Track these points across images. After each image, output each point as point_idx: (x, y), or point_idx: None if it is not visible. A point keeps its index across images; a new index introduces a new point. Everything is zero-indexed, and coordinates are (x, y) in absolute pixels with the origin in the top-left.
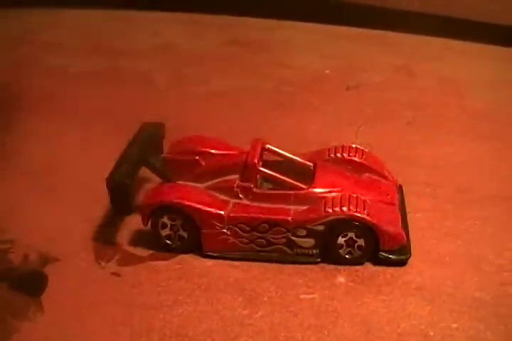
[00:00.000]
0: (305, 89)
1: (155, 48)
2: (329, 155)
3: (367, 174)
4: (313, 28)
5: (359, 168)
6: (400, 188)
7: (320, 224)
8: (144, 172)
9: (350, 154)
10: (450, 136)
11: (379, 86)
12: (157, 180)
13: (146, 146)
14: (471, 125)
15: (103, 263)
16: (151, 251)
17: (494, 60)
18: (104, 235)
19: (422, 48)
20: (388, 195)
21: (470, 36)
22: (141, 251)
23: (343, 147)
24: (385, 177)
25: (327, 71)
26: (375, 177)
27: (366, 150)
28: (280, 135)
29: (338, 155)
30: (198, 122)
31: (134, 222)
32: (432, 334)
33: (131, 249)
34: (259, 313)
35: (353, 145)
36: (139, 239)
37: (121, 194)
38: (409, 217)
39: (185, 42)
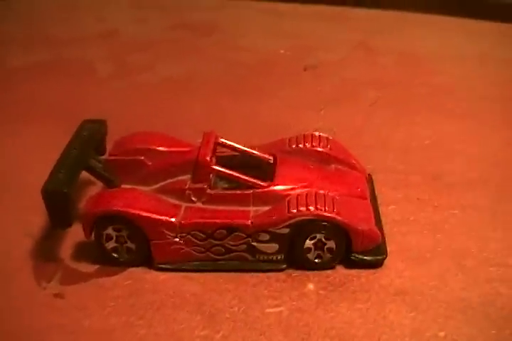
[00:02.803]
0: (258, 72)
1: (98, 35)
2: (290, 145)
3: (333, 165)
4: (262, 6)
5: (324, 158)
6: (370, 178)
7: (284, 227)
8: (87, 175)
9: (314, 144)
10: (418, 115)
11: (338, 65)
12: (101, 184)
13: (86, 148)
14: (440, 102)
15: (44, 284)
16: (96, 266)
17: (455, 33)
18: (44, 250)
19: (379, 23)
20: (358, 187)
21: (426, 8)
22: (86, 267)
23: (304, 136)
24: (353, 167)
25: (281, 51)
26: (342, 167)
27: (330, 137)
28: (234, 123)
29: (300, 145)
30: (145, 114)
31: (76, 234)
32: None
33: (75, 265)
34: (221, 333)
35: (316, 134)
36: (82, 252)
37: (58, 205)
38: (381, 209)
39: (130, 28)
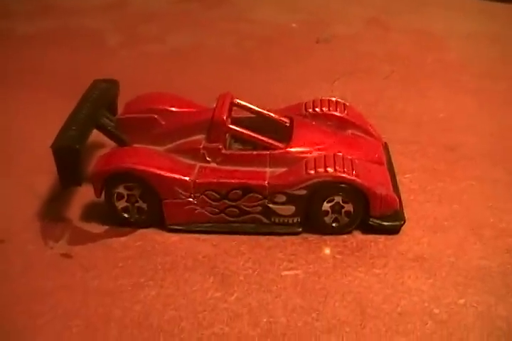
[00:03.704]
0: (269, 45)
1: (106, 6)
2: (306, 110)
3: (350, 130)
4: None
5: (341, 123)
6: (386, 146)
7: (301, 188)
8: (97, 135)
9: (331, 108)
10: (430, 90)
11: (352, 39)
12: (112, 145)
13: (97, 106)
14: (453, 78)
15: (51, 243)
16: (106, 227)
17: (468, 12)
18: (52, 210)
19: (394, 0)
20: (375, 153)
21: None
22: (95, 227)
23: (321, 101)
24: (370, 134)
25: (293, 25)
26: (359, 133)
27: (347, 103)
28: (244, 95)
29: (317, 109)
30: (154, 84)
31: (85, 194)
32: (437, 311)
33: (84, 225)
34: (235, 295)
35: (333, 99)
36: (91, 213)
37: (69, 161)
38: (397, 178)
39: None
